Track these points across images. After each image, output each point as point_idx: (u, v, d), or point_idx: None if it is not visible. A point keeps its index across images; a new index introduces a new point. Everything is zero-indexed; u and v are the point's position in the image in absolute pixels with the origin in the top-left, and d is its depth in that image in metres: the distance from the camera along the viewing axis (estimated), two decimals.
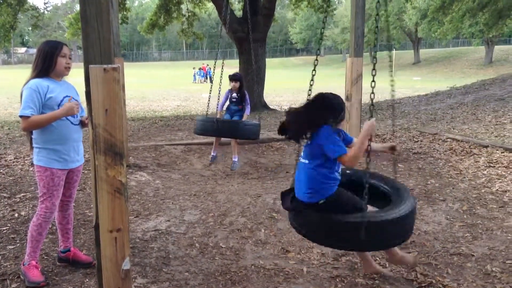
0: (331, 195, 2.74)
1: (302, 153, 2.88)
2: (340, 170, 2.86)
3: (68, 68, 3.15)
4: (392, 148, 3.11)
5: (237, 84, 6.96)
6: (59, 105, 3.05)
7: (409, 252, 3.57)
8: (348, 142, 2.99)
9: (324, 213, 2.70)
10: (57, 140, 3.08)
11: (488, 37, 35.73)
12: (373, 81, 2.68)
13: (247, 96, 7.07)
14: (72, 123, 3.14)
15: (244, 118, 6.89)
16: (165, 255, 3.62)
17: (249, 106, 7.05)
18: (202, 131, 6.25)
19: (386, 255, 3.20)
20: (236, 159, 6.86)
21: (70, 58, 3.16)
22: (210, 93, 6.50)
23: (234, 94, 7.05)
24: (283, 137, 2.91)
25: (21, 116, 2.97)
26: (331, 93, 2.91)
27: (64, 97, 3.10)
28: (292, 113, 2.86)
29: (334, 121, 2.78)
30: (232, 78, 7.03)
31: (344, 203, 2.73)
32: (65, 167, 3.15)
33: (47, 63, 3.06)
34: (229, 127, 6.26)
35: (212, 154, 7.07)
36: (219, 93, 6.65)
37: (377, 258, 3.53)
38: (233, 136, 6.57)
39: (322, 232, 2.74)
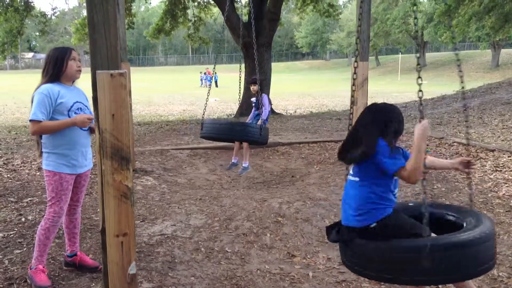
0: (385, 217, 2.35)
1: (351, 169, 2.51)
2: (396, 192, 2.47)
3: (79, 71, 3.19)
4: (466, 165, 2.62)
5: (255, 87, 6.40)
6: (69, 111, 3.08)
7: None
8: (407, 158, 2.44)
9: (376, 239, 2.31)
10: (65, 145, 3.10)
11: (495, 41, 35.62)
12: (419, 77, 2.32)
13: (264, 99, 6.46)
14: (81, 128, 3.16)
15: (259, 122, 6.33)
16: (171, 259, 3.63)
17: (266, 110, 6.45)
18: (206, 134, 6.08)
19: None
20: (245, 165, 6.48)
21: (80, 61, 3.21)
22: (207, 97, 6.13)
23: (253, 98, 6.77)
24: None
25: (31, 120, 2.99)
26: (383, 103, 2.58)
27: (75, 103, 3.14)
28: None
29: (388, 135, 2.39)
30: (250, 81, 6.66)
31: (400, 227, 2.33)
32: (73, 171, 3.17)
33: (57, 68, 3.09)
34: (230, 129, 5.87)
35: (232, 161, 6.69)
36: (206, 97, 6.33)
37: None
38: (234, 139, 6.23)
39: (376, 262, 2.28)
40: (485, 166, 6.01)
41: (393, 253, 2.22)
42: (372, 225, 2.33)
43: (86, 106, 3.25)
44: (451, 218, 2.57)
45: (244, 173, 6.54)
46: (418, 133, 2.26)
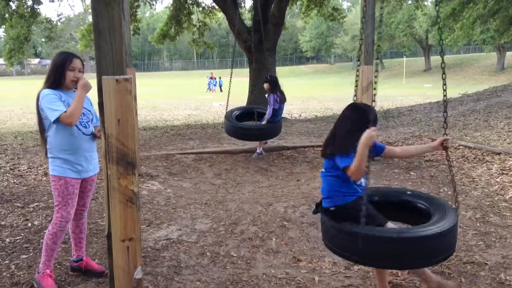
0: (342, 204, 2.78)
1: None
2: (361, 183, 2.84)
3: (74, 82, 3.10)
4: (443, 144, 2.85)
5: (266, 85, 7.47)
6: None
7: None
8: (380, 150, 2.99)
9: (333, 219, 2.76)
10: (68, 150, 3.10)
11: (500, 44, 35.52)
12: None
13: (270, 98, 7.32)
14: (83, 133, 3.16)
15: (264, 121, 7.36)
16: (176, 264, 3.63)
17: (269, 109, 7.30)
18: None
19: (424, 283, 3.05)
20: (259, 151, 7.59)
21: (80, 71, 3.14)
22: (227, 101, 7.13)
23: (266, 95, 7.47)
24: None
25: (59, 118, 2.94)
26: (352, 103, 2.96)
27: None
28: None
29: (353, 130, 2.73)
30: (264, 80, 7.62)
31: (353, 215, 2.64)
32: (78, 176, 3.17)
33: (57, 77, 3.07)
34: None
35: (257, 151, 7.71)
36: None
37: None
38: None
39: (329, 237, 2.81)
40: (491, 169, 5.98)
41: (343, 234, 2.65)
42: (331, 208, 2.82)
43: (89, 110, 3.25)
44: (422, 207, 2.92)
45: (255, 158, 7.57)
46: (362, 139, 2.55)
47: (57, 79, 3.08)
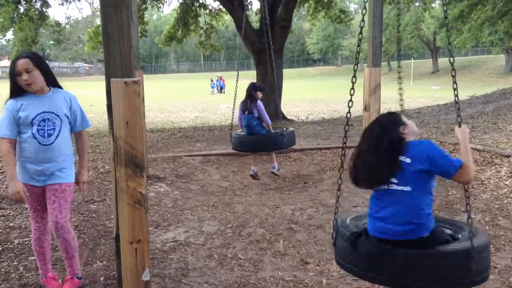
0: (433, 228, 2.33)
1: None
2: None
3: (28, 85, 2.84)
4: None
5: (260, 94, 6.62)
6: (32, 123, 2.89)
7: None
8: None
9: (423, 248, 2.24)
10: (25, 157, 2.94)
11: (508, 46, 35.27)
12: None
13: (261, 105, 6.63)
14: (39, 143, 2.92)
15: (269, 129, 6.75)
16: (184, 266, 3.64)
17: (267, 115, 6.68)
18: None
19: None
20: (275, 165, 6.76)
21: (29, 71, 2.82)
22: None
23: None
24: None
25: None
26: (381, 115, 2.65)
27: (38, 114, 2.90)
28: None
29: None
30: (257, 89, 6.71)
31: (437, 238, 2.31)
32: (36, 183, 2.99)
33: (13, 85, 2.89)
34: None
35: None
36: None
37: None
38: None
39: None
40: (500, 172, 5.93)
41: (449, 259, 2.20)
42: (425, 236, 2.29)
43: (57, 115, 2.96)
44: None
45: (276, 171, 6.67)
46: (463, 136, 2.46)
47: (13, 87, 2.89)
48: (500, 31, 19.13)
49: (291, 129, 6.52)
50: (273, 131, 6.41)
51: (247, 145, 6.37)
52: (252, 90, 6.38)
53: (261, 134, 6.31)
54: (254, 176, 6.52)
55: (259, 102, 6.41)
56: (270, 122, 6.55)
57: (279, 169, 6.72)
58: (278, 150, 6.71)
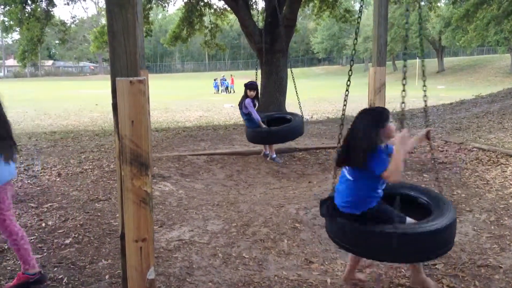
0: (370, 208, 2.84)
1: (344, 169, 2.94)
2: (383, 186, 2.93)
3: None
4: (427, 135, 3.14)
5: (254, 93, 7.47)
6: None
7: (435, 267, 3.52)
8: (391, 151, 2.98)
9: (361, 223, 2.81)
10: None
11: None
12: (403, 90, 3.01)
13: (250, 103, 7.41)
14: None
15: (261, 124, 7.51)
16: (188, 265, 3.65)
17: (256, 112, 7.46)
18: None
19: (411, 273, 3.18)
20: (273, 156, 7.62)
21: None
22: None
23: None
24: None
25: None
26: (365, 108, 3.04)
27: None
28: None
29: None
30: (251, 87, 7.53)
31: (379, 217, 2.81)
32: None
33: None
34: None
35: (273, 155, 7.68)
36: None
37: (403, 270, 3.48)
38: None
39: (355, 241, 2.86)
40: (506, 171, 5.90)
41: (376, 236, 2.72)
42: (359, 213, 2.84)
43: None
44: (423, 201, 3.10)
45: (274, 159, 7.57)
46: (398, 140, 2.71)
47: None
48: (506, 30, 19.03)
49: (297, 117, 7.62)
50: (264, 127, 7.31)
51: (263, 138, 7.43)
52: (245, 88, 7.34)
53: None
54: (265, 156, 7.64)
55: (247, 100, 7.25)
56: (258, 118, 7.31)
57: (279, 159, 7.56)
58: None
